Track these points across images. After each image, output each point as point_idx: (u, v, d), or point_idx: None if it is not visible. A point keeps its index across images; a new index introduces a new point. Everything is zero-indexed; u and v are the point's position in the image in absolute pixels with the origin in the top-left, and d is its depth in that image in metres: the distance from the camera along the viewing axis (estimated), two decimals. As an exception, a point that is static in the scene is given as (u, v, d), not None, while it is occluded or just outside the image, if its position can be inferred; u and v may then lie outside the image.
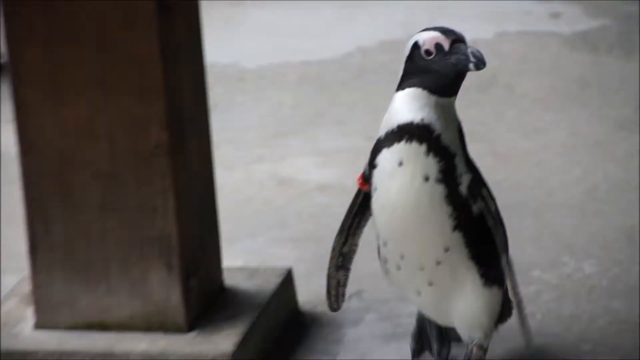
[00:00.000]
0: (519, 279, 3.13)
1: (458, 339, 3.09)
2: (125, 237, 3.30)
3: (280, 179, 4.37)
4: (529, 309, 3.30)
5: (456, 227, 2.75)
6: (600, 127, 4.43)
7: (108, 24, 3.25)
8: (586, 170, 4.33)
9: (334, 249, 3.05)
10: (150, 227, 3.28)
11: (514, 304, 3.00)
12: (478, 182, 2.82)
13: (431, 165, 2.71)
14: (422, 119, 2.71)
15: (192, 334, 3.31)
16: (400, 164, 2.72)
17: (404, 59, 2.80)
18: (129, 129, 3.28)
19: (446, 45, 2.73)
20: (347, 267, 3.04)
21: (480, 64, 2.68)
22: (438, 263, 2.83)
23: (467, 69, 2.70)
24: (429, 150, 2.71)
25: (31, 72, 3.34)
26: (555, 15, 4.92)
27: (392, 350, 3.39)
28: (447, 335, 3.14)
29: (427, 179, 2.70)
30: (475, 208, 2.79)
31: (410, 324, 3.28)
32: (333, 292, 3.12)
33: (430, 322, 3.18)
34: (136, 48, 3.26)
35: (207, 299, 3.49)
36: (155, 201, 3.27)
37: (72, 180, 3.36)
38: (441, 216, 2.77)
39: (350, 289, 3.22)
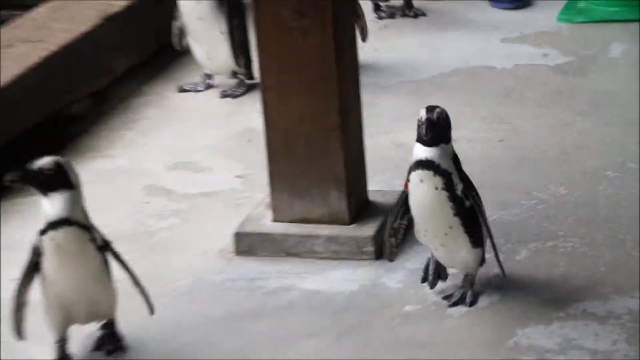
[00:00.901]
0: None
1: (445, 277, 4.05)
2: (319, 173, 4.25)
3: (397, 143, 5.02)
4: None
5: (455, 214, 3.82)
6: (566, 114, 5.22)
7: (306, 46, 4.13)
8: (558, 132, 5.11)
9: (388, 227, 4.01)
10: (332, 168, 4.25)
11: (493, 253, 3.91)
12: (468, 187, 3.83)
13: (437, 181, 3.73)
14: (427, 157, 3.75)
15: (352, 226, 4.26)
16: (421, 181, 3.74)
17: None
18: (318, 116, 4.23)
19: (423, 118, 3.75)
20: (397, 237, 4.01)
21: (425, 135, 3.71)
22: (446, 234, 3.88)
23: (420, 140, 3.73)
24: (435, 173, 3.72)
25: (270, 80, 4.23)
26: (545, 55, 5.66)
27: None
28: (439, 275, 4.04)
29: (436, 188, 3.74)
30: (467, 203, 3.83)
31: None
32: (388, 251, 4.04)
33: (433, 265, 4.04)
34: (318, 62, 4.17)
35: (359, 207, 4.32)
36: (334, 154, 4.23)
37: (293, 143, 4.27)
38: (446, 208, 3.81)
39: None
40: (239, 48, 5.34)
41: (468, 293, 3.95)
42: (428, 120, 3.75)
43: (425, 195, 3.84)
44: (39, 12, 5.50)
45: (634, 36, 5.85)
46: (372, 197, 4.46)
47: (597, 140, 4.96)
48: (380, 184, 4.57)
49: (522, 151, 4.94)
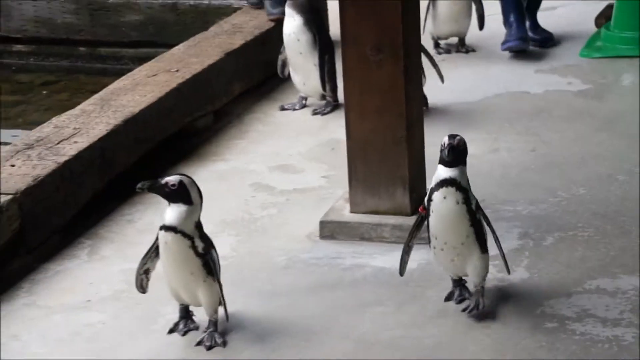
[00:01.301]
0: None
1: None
2: (387, 175, 4.19)
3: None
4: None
5: (471, 225, 3.58)
6: (585, 129, 5.10)
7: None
8: (579, 144, 4.99)
9: (405, 244, 3.74)
10: (398, 171, 4.18)
11: (501, 256, 3.67)
12: (478, 203, 3.61)
13: (459, 195, 3.52)
14: (449, 176, 3.53)
15: (413, 217, 4.02)
16: (445, 197, 3.53)
17: None
18: (389, 130, 4.20)
19: (445, 144, 3.55)
20: (409, 252, 3.74)
21: (448, 157, 3.51)
22: (462, 244, 3.62)
23: (443, 162, 3.53)
24: (456, 189, 3.52)
25: (352, 101, 4.23)
26: (569, 83, 5.52)
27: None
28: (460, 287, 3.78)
29: (457, 202, 3.53)
30: (479, 215, 3.61)
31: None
32: (403, 262, 3.74)
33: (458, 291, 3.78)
34: (390, 88, 4.14)
35: (419, 201, 3.98)
36: (400, 160, 4.19)
37: (368, 151, 4.23)
38: (465, 220, 3.58)
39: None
40: (328, 76, 5.34)
41: (480, 300, 3.70)
42: (450, 145, 3.58)
43: (449, 210, 3.62)
44: (177, 49, 5.62)
45: (640, 69, 5.63)
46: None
47: (610, 150, 4.86)
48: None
49: (550, 158, 4.84)
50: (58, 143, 4.46)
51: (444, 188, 3.58)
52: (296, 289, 3.90)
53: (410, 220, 4.11)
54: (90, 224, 4.37)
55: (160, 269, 3.59)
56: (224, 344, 3.55)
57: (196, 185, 3.40)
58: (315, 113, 5.41)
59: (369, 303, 3.78)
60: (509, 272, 3.72)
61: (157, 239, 3.51)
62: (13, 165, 4.27)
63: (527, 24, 6.06)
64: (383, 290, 3.86)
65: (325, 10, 6.11)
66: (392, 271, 3.94)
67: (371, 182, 4.22)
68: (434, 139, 4.45)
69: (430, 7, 5.98)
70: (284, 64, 5.40)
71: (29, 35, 6.82)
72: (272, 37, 5.77)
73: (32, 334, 3.65)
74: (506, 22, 6.07)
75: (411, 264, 3.93)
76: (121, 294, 3.86)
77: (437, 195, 3.59)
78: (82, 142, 4.48)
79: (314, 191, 4.59)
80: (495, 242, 3.65)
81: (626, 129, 5.12)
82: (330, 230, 4.23)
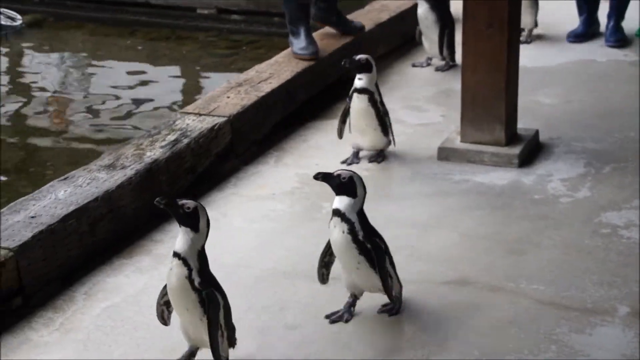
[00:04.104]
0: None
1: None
2: (489, 116, 3.97)
3: (536, 102, 4.61)
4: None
5: (360, 253, 2.74)
6: (636, 87, 4.79)
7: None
8: (631, 96, 4.68)
9: (319, 260, 2.89)
10: (497, 113, 3.97)
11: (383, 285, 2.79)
12: (369, 234, 2.75)
13: (344, 226, 2.72)
14: (336, 207, 2.74)
15: (506, 147, 3.95)
16: (335, 226, 2.75)
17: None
18: (493, 84, 3.95)
19: (340, 177, 2.75)
20: (323, 266, 2.89)
21: (334, 189, 2.73)
22: (357, 269, 2.79)
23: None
24: (341, 220, 2.73)
25: (468, 61, 4.00)
26: (626, 55, 5.24)
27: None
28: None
29: (343, 232, 2.72)
30: (368, 245, 2.74)
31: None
32: (320, 274, 2.91)
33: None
34: (496, 54, 3.91)
35: (511, 137, 4.00)
36: (499, 106, 3.97)
37: (477, 98, 3.98)
38: (353, 249, 2.74)
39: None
40: (447, 44, 5.18)
41: (399, 305, 2.93)
42: (339, 177, 2.78)
43: (336, 238, 2.80)
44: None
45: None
46: (518, 132, 4.18)
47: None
48: (523, 124, 4.23)
49: (610, 109, 4.61)
50: (258, 83, 4.44)
51: (333, 217, 2.80)
52: (418, 194, 3.81)
53: (504, 150, 4.03)
54: (277, 140, 4.33)
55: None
56: None
57: (207, 215, 2.54)
58: (437, 70, 5.25)
59: (471, 207, 3.67)
60: (391, 299, 2.89)
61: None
62: (228, 97, 4.26)
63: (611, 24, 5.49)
64: (481, 198, 3.75)
65: None
66: (489, 185, 3.83)
67: (477, 120, 4.06)
68: (522, 91, 4.35)
69: None
70: (420, 33, 5.27)
71: (242, 8, 6.88)
72: (409, 14, 5.60)
73: (235, 214, 3.65)
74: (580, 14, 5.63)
75: (503, 181, 3.84)
76: (296, 190, 3.84)
77: (330, 223, 2.82)
78: (274, 83, 4.46)
79: (434, 125, 4.46)
80: (390, 265, 2.86)
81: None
82: (445, 154, 4.10)
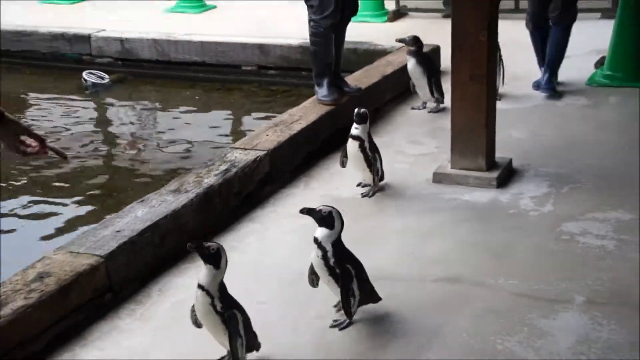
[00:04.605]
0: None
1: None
2: (473, 148, 3.86)
3: (513, 137, 4.48)
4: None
5: (329, 275, 2.64)
6: (586, 125, 4.62)
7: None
8: (584, 134, 4.48)
9: (309, 270, 2.74)
10: (479, 144, 3.85)
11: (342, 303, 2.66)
12: (341, 260, 2.62)
13: (319, 252, 2.59)
14: (315, 235, 2.63)
15: (487, 172, 3.85)
16: (313, 250, 2.60)
17: None
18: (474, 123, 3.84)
19: (322, 212, 2.62)
20: (314, 282, 2.75)
21: (316, 222, 2.59)
22: (327, 282, 2.67)
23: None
24: (317, 247, 2.62)
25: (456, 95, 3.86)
26: (579, 99, 5.06)
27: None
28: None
29: (317, 256, 2.61)
30: (337, 269, 2.62)
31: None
32: (310, 279, 2.77)
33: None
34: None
35: (491, 164, 3.92)
36: (481, 142, 3.84)
37: (463, 136, 3.88)
38: (324, 270, 2.63)
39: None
40: (436, 88, 5.08)
41: (348, 322, 2.77)
42: (320, 212, 2.68)
43: (313, 259, 2.71)
44: (357, 73, 5.39)
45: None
46: (496, 159, 4.12)
47: (599, 138, 4.50)
48: (500, 154, 4.15)
49: (568, 140, 4.49)
50: (291, 123, 4.40)
51: (314, 243, 2.69)
52: (417, 210, 3.75)
53: (485, 174, 3.95)
54: (305, 169, 4.29)
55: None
56: None
57: (226, 255, 2.48)
58: (430, 112, 5.17)
59: (459, 220, 3.62)
60: (347, 316, 2.73)
61: None
62: (267, 135, 4.24)
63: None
64: (468, 212, 3.69)
65: (438, 53, 5.79)
66: (474, 202, 3.79)
67: (463, 151, 3.99)
68: (500, 127, 4.27)
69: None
70: (413, 84, 5.18)
71: (277, 65, 6.81)
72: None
73: (274, 227, 3.61)
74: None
75: (484, 199, 3.78)
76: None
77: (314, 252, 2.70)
78: (303, 123, 4.41)
79: (430, 155, 4.40)
80: (358, 287, 2.72)
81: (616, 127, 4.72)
82: (438, 177, 4.04)
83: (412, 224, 3.53)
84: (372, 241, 3.35)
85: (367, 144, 3.72)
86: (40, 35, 7.53)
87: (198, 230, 3.38)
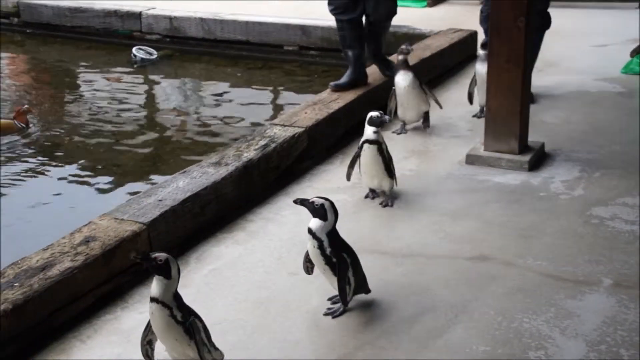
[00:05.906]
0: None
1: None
2: (507, 131, 3.75)
3: (542, 120, 4.40)
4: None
5: (326, 264, 2.55)
6: (617, 112, 4.53)
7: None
8: (618, 119, 4.40)
9: (304, 257, 2.66)
10: (512, 128, 3.76)
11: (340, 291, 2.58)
12: (337, 249, 2.55)
13: (315, 243, 2.54)
14: (310, 226, 2.55)
15: (519, 155, 3.76)
16: (309, 240, 2.55)
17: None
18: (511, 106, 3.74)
19: (317, 204, 2.54)
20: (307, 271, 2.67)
21: (314, 215, 2.50)
22: (324, 272, 2.58)
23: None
24: (312, 238, 2.53)
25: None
26: (614, 87, 4.94)
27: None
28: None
29: (314, 247, 2.53)
30: (333, 258, 2.54)
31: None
32: (305, 266, 2.66)
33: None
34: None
35: (523, 147, 3.84)
36: (515, 125, 3.75)
37: (496, 121, 3.79)
38: (322, 260, 2.56)
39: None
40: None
41: (342, 310, 2.69)
42: (312, 204, 2.58)
43: (309, 248, 2.62)
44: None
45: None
46: (529, 143, 4.04)
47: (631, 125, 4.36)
48: (532, 138, 4.07)
49: (599, 126, 4.40)
50: (329, 102, 4.37)
51: (308, 234, 2.60)
52: (450, 190, 3.71)
53: (517, 157, 3.88)
54: (341, 146, 4.23)
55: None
56: None
57: (177, 264, 2.26)
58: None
59: (490, 201, 3.56)
60: (343, 304, 2.66)
61: None
62: (306, 113, 4.22)
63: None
64: (499, 194, 3.63)
65: (475, 38, 5.61)
66: (505, 184, 3.72)
67: (497, 134, 3.92)
68: (533, 112, 4.22)
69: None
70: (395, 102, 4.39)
71: (317, 46, 6.76)
72: (446, 52, 5.48)
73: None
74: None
75: (516, 181, 3.72)
76: (355, 184, 3.65)
77: (309, 246, 2.61)
78: (340, 103, 4.38)
79: (464, 138, 4.32)
80: (354, 274, 2.65)
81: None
82: (471, 159, 3.98)
83: (444, 203, 3.49)
84: (402, 219, 3.35)
85: (384, 146, 3.38)
86: (94, 12, 7.64)
87: (236, 202, 3.39)
